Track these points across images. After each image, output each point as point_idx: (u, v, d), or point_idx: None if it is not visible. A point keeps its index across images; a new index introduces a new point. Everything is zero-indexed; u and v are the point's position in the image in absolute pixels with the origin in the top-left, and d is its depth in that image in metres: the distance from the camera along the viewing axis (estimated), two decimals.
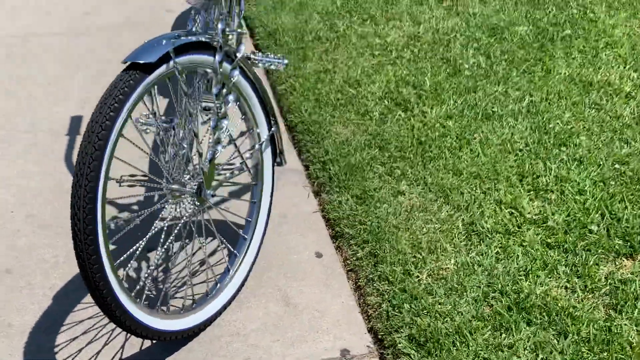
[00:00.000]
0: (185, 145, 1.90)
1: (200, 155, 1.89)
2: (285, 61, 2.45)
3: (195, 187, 1.92)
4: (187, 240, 2.12)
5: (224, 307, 2.08)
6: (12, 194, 2.50)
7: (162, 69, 1.76)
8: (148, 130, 1.91)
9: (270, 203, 2.24)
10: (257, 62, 2.42)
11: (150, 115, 1.83)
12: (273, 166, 2.24)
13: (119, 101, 1.66)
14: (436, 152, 2.60)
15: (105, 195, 1.67)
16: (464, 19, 3.49)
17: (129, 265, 1.87)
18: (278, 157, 2.25)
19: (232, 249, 2.17)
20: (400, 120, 2.78)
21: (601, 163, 2.50)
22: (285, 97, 3.00)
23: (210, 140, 1.93)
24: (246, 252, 2.17)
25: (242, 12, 2.01)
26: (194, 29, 1.91)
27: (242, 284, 2.15)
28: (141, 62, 1.70)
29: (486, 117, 2.78)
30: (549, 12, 3.53)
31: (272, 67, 2.44)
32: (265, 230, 2.23)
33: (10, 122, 2.90)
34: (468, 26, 3.42)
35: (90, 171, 1.62)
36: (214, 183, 1.98)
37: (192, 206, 1.93)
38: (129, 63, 1.71)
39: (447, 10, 3.59)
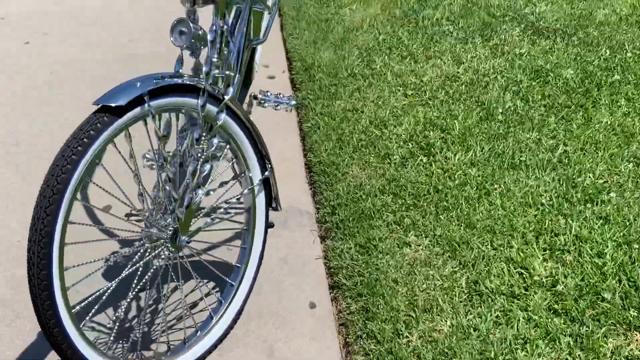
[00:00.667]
0: (167, 188, 1.86)
1: (175, 200, 1.84)
2: (293, 102, 2.39)
3: (171, 232, 1.86)
4: (164, 285, 2.06)
5: (203, 357, 2.02)
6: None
7: (137, 111, 1.72)
8: (153, 167, 1.90)
9: (262, 250, 2.17)
10: (263, 102, 2.37)
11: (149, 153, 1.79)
12: (267, 211, 2.16)
13: (83, 144, 1.63)
14: (452, 202, 2.48)
15: (64, 239, 1.64)
16: (508, 60, 3.34)
17: (93, 310, 1.82)
18: (273, 202, 2.18)
19: (217, 296, 2.11)
20: (420, 166, 2.67)
21: (628, 223, 2.32)
22: (309, 136, 2.93)
23: (190, 184, 1.87)
24: (232, 299, 2.11)
25: (236, 54, 1.96)
26: (180, 71, 1.87)
27: (226, 333, 2.08)
28: (112, 104, 1.67)
29: (512, 167, 2.64)
30: (601, 55, 3.34)
31: (279, 107, 2.39)
32: (255, 277, 2.16)
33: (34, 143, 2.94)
34: (511, 67, 3.28)
35: (46, 215, 1.59)
36: (195, 227, 1.93)
37: (167, 251, 1.88)
38: (99, 105, 1.68)
39: (493, 49, 3.45)
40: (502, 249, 2.27)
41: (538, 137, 2.79)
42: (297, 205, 2.56)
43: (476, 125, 2.87)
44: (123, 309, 1.93)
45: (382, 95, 3.11)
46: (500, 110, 2.95)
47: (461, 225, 2.37)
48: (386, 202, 2.51)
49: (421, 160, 2.70)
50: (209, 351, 2.03)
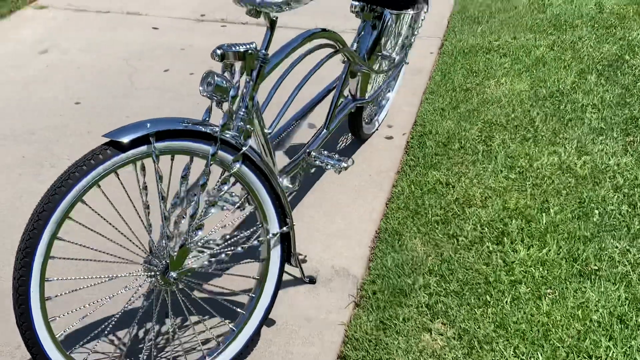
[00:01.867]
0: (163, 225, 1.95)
1: (169, 238, 1.94)
2: (344, 164, 2.41)
3: (162, 266, 1.96)
4: (167, 316, 2.16)
5: None
6: None
7: (141, 149, 1.84)
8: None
9: (271, 304, 2.20)
10: (314, 159, 2.42)
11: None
12: (282, 266, 2.19)
13: (81, 172, 1.78)
14: (495, 298, 2.34)
15: (45, 273, 1.78)
16: (638, 161, 3.07)
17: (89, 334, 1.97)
18: (290, 258, 2.21)
19: (215, 337, 2.17)
20: (484, 253, 2.54)
21: None
22: (391, 201, 2.90)
23: (188, 224, 1.95)
24: (229, 344, 2.15)
25: (252, 108, 2.02)
26: (207, 119, 1.97)
27: None
28: (116, 140, 1.81)
29: (581, 274, 2.43)
30: None
31: (329, 167, 2.42)
32: (257, 330, 2.18)
33: None
34: (637, 168, 3.00)
35: (26, 247, 1.75)
36: (194, 265, 2.00)
37: (156, 283, 1.98)
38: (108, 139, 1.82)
39: (626, 146, 3.19)
40: (523, 359, 2.10)
41: (627, 247, 2.54)
42: (348, 268, 2.55)
43: (564, 223, 2.67)
44: (115, 334, 2.06)
45: (481, 174, 3.00)
46: (597, 212, 2.72)
47: (492, 324, 2.23)
48: (429, 283, 2.42)
49: (487, 247, 2.57)
50: None
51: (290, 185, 2.41)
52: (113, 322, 2.01)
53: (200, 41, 4.39)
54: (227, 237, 2.11)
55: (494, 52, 4.15)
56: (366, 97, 3.05)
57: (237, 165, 1.98)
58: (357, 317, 2.31)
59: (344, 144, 3.33)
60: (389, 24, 2.97)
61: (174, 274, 1.95)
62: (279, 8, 1.93)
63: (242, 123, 2.00)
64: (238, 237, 2.12)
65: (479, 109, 3.52)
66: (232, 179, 2.04)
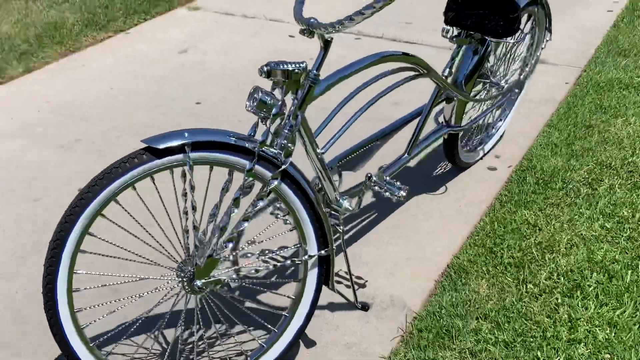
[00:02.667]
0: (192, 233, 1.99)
1: (196, 247, 1.97)
2: (402, 193, 2.35)
3: (189, 274, 2.00)
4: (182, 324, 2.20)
5: None
6: None
7: (177, 157, 1.89)
8: None
9: (303, 327, 2.18)
10: (373, 185, 2.37)
11: None
12: (318, 288, 2.17)
13: (116, 173, 1.86)
14: (547, 355, 2.18)
15: (79, 246, 1.87)
16: None
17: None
18: (329, 282, 2.18)
19: (243, 350, 2.19)
20: (549, 305, 2.38)
21: None
22: (471, 236, 2.79)
23: (217, 236, 1.97)
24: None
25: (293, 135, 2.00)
26: (251, 134, 1.98)
27: None
28: (152, 146, 1.87)
29: None
30: None
31: (388, 194, 2.36)
32: (286, 350, 2.17)
33: None
34: None
35: (63, 228, 1.85)
36: (223, 276, 2.03)
37: (183, 290, 2.03)
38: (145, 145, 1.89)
39: None
40: None
41: None
42: (407, 300, 2.48)
43: None
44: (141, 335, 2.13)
45: (575, 219, 2.80)
46: None
47: None
48: (480, 328, 2.30)
49: (556, 299, 2.40)
50: None
51: (350, 208, 2.37)
52: (140, 322, 2.08)
53: (331, 52, 4.42)
54: (263, 253, 2.11)
55: (631, 88, 3.86)
56: (462, 125, 2.94)
57: (275, 182, 1.97)
58: (397, 353, 2.24)
59: (442, 170, 3.24)
60: (490, 50, 2.85)
61: (199, 283, 1.98)
62: (332, 28, 1.90)
63: (285, 141, 1.98)
64: (273, 254, 2.11)
65: (594, 149, 3.28)
66: (272, 196, 2.03)
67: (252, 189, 1.95)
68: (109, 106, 3.78)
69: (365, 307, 2.46)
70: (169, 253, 2.03)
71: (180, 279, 2.00)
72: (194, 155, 1.89)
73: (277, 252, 2.15)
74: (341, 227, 2.39)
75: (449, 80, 2.72)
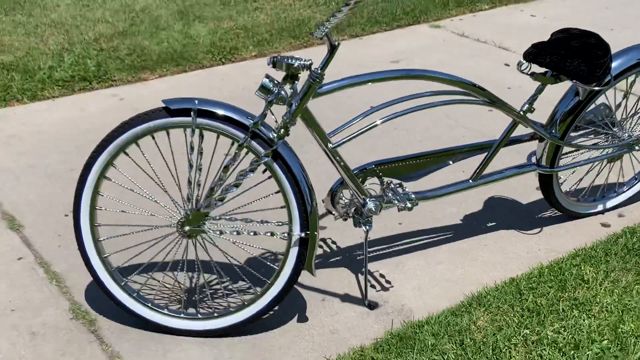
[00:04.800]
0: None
1: (188, 199, 2.33)
2: (408, 205, 2.47)
3: (182, 218, 2.37)
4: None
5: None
6: None
7: (184, 119, 2.28)
8: None
9: (277, 299, 2.39)
10: (387, 191, 2.52)
11: None
12: (296, 268, 2.39)
13: (137, 121, 2.30)
14: None
15: (98, 189, 2.33)
16: None
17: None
18: (306, 263, 2.39)
19: (224, 297, 2.49)
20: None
21: None
22: (523, 277, 2.75)
23: (206, 195, 2.31)
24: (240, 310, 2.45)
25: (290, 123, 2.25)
26: (257, 115, 2.30)
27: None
28: (167, 105, 2.29)
29: None
30: None
31: (395, 202, 2.49)
32: (259, 313, 2.43)
33: None
34: None
35: (88, 164, 2.34)
36: (209, 227, 2.36)
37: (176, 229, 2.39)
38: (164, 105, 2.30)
39: None
40: None
41: None
42: (415, 312, 2.58)
43: None
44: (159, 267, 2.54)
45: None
46: None
47: None
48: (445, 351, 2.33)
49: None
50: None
51: (373, 209, 2.51)
52: (150, 256, 2.48)
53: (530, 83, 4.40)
54: (245, 219, 2.39)
55: None
56: (553, 167, 2.87)
57: (266, 159, 2.25)
58: (362, 351, 2.37)
59: (552, 213, 3.16)
60: (597, 97, 2.76)
61: (186, 228, 2.34)
62: (327, 23, 2.11)
63: (281, 126, 2.25)
64: (255, 223, 2.38)
65: None
66: (263, 170, 2.31)
67: (240, 160, 2.24)
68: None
69: (371, 306, 2.60)
70: (174, 200, 2.39)
71: (176, 222, 2.36)
72: (199, 120, 2.24)
73: (261, 222, 2.40)
74: (366, 227, 2.55)
75: (527, 115, 2.69)
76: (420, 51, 4.98)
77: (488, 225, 3.08)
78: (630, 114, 2.96)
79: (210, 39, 5.02)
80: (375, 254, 2.89)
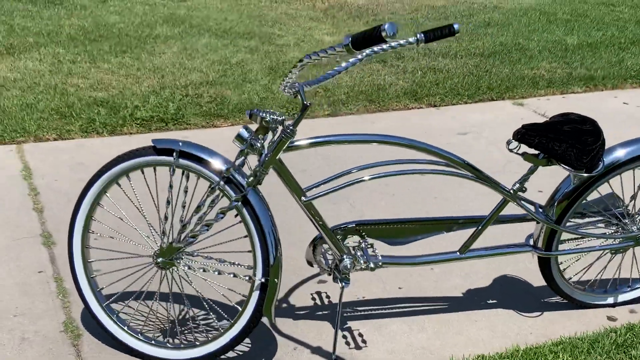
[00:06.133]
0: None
1: (164, 233, 2.52)
2: (371, 265, 2.53)
3: (157, 251, 2.55)
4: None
5: None
6: None
7: (167, 158, 2.49)
8: None
9: (237, 339, 2.50)
10: (356, 252, 2.60)
11: None
12: (256, 311, 2.50)
13: (126, 157, 2.53)
14: None
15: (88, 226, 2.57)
16: None
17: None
18: (265, 309, 2.50)
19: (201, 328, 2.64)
20: None
21: None
22: None
23: (180, 231, 2.49)
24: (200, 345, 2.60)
25: (259, 172, 2.40)
26: (236, 162, 2.47)
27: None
28: (154, 145, 2.51)
29: None
30: None
31: (359, 261, 2.57)
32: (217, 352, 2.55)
33: None
34: None
35: (80, 199, 2.59)
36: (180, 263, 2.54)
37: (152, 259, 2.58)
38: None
39: None
40: None
41: None
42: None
43: None
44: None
45: None
46: None
47: None
48: None
49: None
50: None
51: (348, 267, 2.58)
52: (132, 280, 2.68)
53: None
54: (214, 257, 2.54)
55: None
56: (549, 251, 2.83)
57: (236, 204, 2.41)
58: None
59: (562, 299, 3.09)
60: (599, 184, 2.73)
61: (159, 260, 2.52)
62: (289, 79, 2.26)
63: (252, 174, 2.41)
64: (220, 263, 2.53)
65: None
66: (234, 214, 2.46)
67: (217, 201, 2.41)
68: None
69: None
70: (154, 233, 2.59)
71: (152, 253, 2.55)
72: (181, 161, 2.44)
73: (225, 262, 2.53)
74: (342, 283, 2.63)
75: (518, 194, 2.69)
76: (491, 126, 4.99)
77: (489, 302, 3.05)
78: None
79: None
80: (362, 313, 2.95)
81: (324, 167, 4.03)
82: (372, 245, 2.63)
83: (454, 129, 4.92)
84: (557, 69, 6.19)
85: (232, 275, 2.52)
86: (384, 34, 1.98)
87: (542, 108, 5.41)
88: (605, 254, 2.97)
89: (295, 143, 2.42)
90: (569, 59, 6.48)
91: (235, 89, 5.34)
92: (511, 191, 2.67)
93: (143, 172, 2.54)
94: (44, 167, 4.07)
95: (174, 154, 2.43)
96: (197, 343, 2.58)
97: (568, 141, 2.52)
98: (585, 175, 2.58)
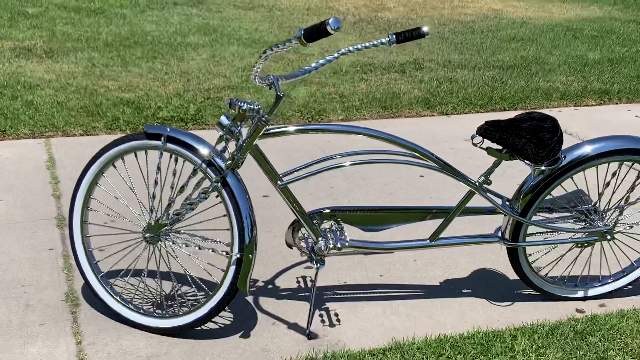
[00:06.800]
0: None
1: (151, 211, 2.78)
2: (339, 244, 2.75)
3: (144, 226, 2.81)
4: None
5: None
6: None
7: (157, 143, 2.74)
8: None
9: (215, 310, 2.72)
10: (326, 233, 2.81)
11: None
12: (231, 285, 2.72)
13: (121, 141, 2.80)
14: None
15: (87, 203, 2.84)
16: None
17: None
18: (239, 282, 2.72)
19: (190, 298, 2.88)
20: None
21: None
22: None
23: (164, 210, 2.75)
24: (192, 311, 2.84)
25: (237, 157, 2.64)
26: (216, 146, 2.72)
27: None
28: (146, 130, 2.77)
29: None
30: None
31: (329, 241, 2.78)
32: (197, 321, 2.79)
33: None
34: None
35: (79, 178, 2.87)
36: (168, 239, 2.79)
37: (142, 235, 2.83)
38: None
39: None
40: None
41: None
42: (336, 345, 2.82)
43: None
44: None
45: None
46: None
47: None
48: None
49: None
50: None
51: (322, 249, 2.78)
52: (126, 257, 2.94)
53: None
54: (195, 235, 2.78)
55: None
56: (518, 243, 3.00)
57: (216, 184, 2.65)
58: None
59: (532, 292, 3.24)
60: (563, 178, 2.88)
61: (147, 235, 2.78)
62: (256, 68, 2.50)
63: (230, 158, 2.65)
64: (205, 238, 2.76)
65: None
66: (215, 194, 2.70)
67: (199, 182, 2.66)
68: None
69: (310, 336, 2.86)
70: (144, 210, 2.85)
71: (142, 229, 2.81)
72: (168, 145, 2.70)
73: (207, 240, 2.77)
74: (318, 265, 2.84)
75: (484, 186, 2.86)
76: None
77: (463, 291, 3.22)
78: (613, 205, 3.01)
79: (305, 100, 5.52)
80: (341, 296, 3.15)
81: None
82: (342, 229, 2.83)
83: (460, 136, 5.09)
84: (572, 82, 6.31)
85: (211, 251, 2.74)
86: (328, 27, 2.20)
87: None
88: (573, 248, 3.11)
89: (272, 130, 2.65)
90: (586, 73, 6.59)
91: (255, 93, 5.60)
92: (476, 183, 2.84)
93: (136, 156, 2.79)
94: (66, 159, 4.38)
95: (162, 138, 2.67)
96: (181, 313, 2.81)
97: (527, 136, 2.69)
98: (544, 168, 2.74)
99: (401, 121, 5.40)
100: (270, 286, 3.20)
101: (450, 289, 3.24)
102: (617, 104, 6.07)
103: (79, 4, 8.05)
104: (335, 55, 2.61)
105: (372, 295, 3.17)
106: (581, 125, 5.45)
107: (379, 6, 9.00)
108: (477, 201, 2.92)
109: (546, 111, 5.56)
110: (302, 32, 2.28)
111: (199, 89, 5.63)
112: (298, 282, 3.23)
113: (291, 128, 2.69)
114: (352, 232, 2.90)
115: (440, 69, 6.50)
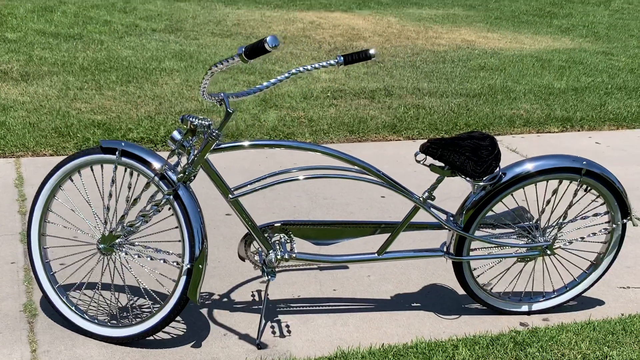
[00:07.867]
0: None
1: (105, 223, 2.88)
2: (286, 256, 2.85)
3: (99, 238, 2.91)
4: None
5: None
6: None
7: (111, 157, 2.85)
8: None
9: (166, 319, 2.83)
10: (275, 245, 2.92)
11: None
12: (182, 295, 2.83)
13: (75, 156, 2.91)
14: None
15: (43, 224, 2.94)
16: None
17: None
18: (190, 291, 2.82)
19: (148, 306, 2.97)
20: None
21: None
22: None
23: (118, 221, 2.85)
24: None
25: (188, 170, 2.75)
26: (168, 160, 2.84)
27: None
28: (101, 145, 2.88)
29: None
30: None
31: (277, 252, 2.88)
32: (149, 330, 2.88)
33: None
34: None
35: (36, 195, 2.97)
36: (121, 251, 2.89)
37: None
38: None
39: None
40: None
41: None
42: (293, 351, 2.91)
43: None
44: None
45: None
46: None
47: None
48: None
49: None
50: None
51: (272, 261, 2.89)
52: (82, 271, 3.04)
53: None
54: (148, 246, 2.88)
55: None
56: (462, 257, 3.11)
57: (168, 197, 2.76)
58: None
59: (479, 306, 3.35)
60: (505, 194, 3.00)
61: (100, 246, 2.88)
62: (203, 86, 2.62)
63: (181, 171, 2.76)
64: (158, 250, 2.86)
65: None
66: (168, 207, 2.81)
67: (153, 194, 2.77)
68: None
69: (260, 346, 2.96)
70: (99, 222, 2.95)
71: (96, 241, 2.91)
72: (123, 159, 2.81)
73: (160, 251, 2.87)
74: (269, 277, 2.95)
75: (427, 202, 2.99)
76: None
77: (413, 304, 3.33)
78: (553, 222, 3.14)
79: (274, 124, 5.65)
80: (294, 309, 3.24)
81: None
82: (291, 241, 2.94)
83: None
84: (536, 110, 6.48)
85: (162, 262, 2.84)
86: (266, 45, 2.34)
87: (514, 144, 5.69)
88: (516, 263, 3.23)
89: (222, 146, 2.77)
90: (551, 101, 6.77)
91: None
92: (421, 199, 2.97)
93: (92, 169, 2.90)
94: (35, 177, 4.46)
95: (117, 152, 2.78)
96: (134, 323, 2.90)
97: (466, 154, 2.83)
98: (483, 184, 2.88)
99: (367, 145, 5.53)
100: (225, 299, 3.29)
101: (400, 302, 3.34)
102: (579, 131, 6.24)
103: (58, 29, 8.18)
104: (286, 75, 2.75)
105: (324, 308, 3.27)
106: (541, 151, 5.58)
107: (354, 35, 9.18)
108: (426, 217, 3.04)
109: (509, 137, 5.75)
110: (243, 49, 2.41)
111: (170, 112, 5.76)
112: (253, 295, 3.33)
113: (246, 143, 2.82)
114: (304, 246, 3.01)
115: (409, 95, 6.66)
